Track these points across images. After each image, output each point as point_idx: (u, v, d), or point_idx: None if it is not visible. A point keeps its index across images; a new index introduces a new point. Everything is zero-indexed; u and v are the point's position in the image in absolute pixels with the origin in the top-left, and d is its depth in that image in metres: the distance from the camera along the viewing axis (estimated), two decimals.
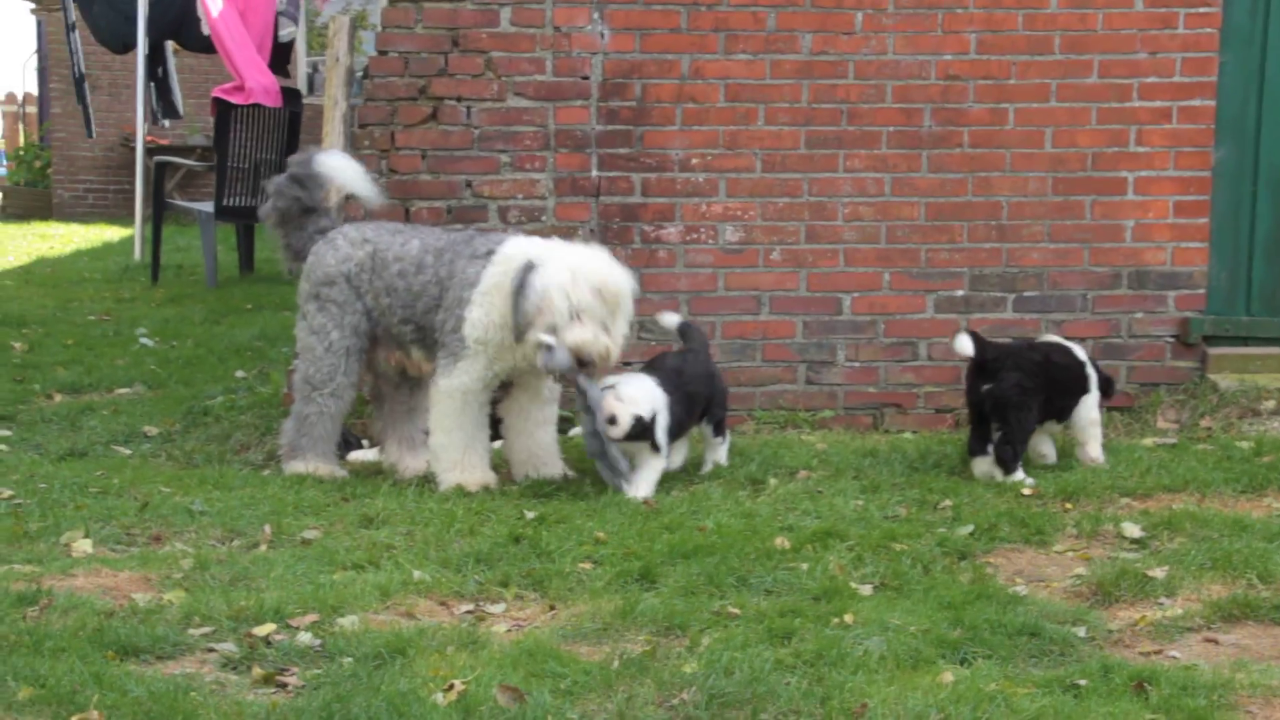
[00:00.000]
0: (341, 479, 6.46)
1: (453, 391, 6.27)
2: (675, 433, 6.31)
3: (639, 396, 6.12)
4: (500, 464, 6.56)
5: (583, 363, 6.07)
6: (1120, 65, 7.60)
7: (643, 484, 6.12)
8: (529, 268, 6.11)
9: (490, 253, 6.31)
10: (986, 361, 6.40)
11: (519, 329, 6.12)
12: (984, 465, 6.41)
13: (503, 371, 6.35)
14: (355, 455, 6.99)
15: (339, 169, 6.80)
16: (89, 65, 19.20)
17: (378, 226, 6.73)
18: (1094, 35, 7.59)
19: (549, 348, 6.02)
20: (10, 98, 25.78)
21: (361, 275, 6.54)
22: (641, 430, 6.07)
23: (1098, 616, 4.72)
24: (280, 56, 13.13)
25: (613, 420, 6.04)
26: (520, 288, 6.09)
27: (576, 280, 6.06)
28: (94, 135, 17.45)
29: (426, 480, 6.37)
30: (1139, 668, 4.22)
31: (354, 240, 6.61)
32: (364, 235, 6.64)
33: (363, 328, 6.57)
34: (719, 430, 6.61)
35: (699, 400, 6.46)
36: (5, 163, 22.70)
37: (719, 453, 6.63)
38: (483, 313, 6.22)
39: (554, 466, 6.48)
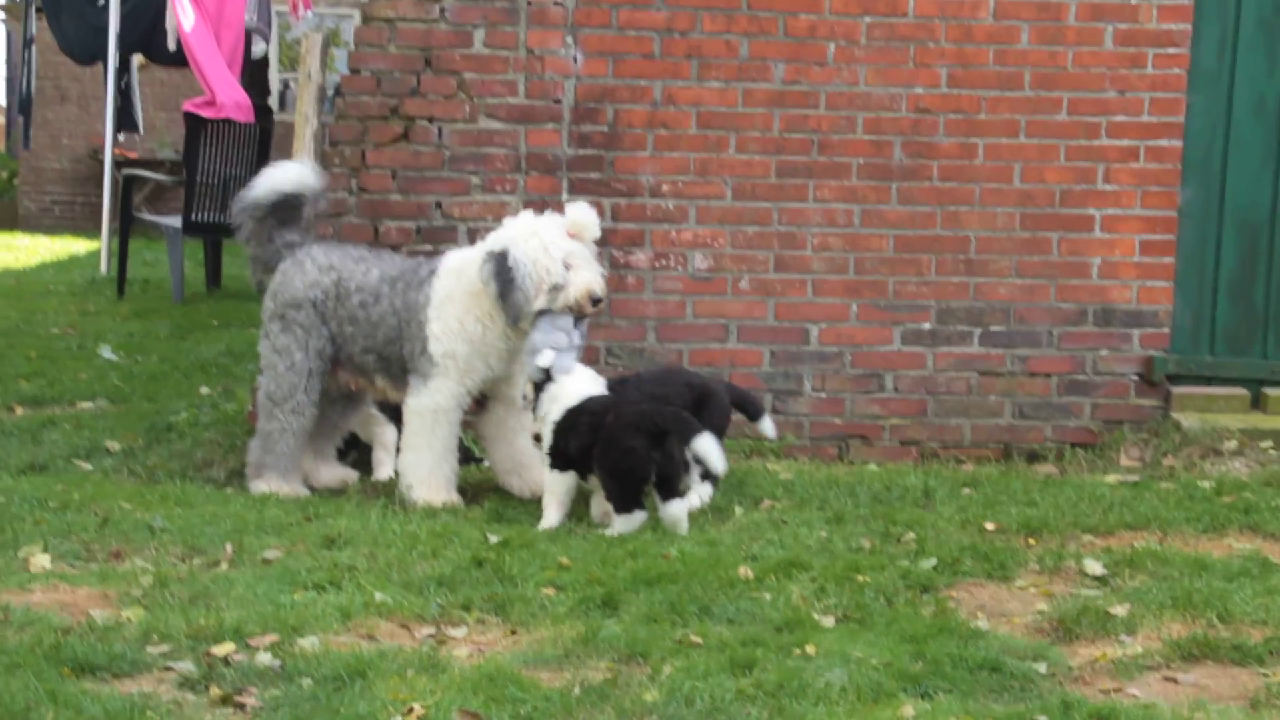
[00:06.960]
0: (304, 498, 6.44)
1: (423, 410, 6.38)
2: None
3: None
4: (464, 487, 6.55)
5: (595, 301, 6.26)
6: (1089, 103, 7.65)
7: None
8: (499, 255, 6.19)
9: (432, 272, 6.46)
10: None
11: (518, 313, 6.20)
12: None
13: (474, 387, 6.44)
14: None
15: (293, 177, 6.80)
16: (59, 75, 19.17)
17: (343, 252, 6.72)
18: (1064, 73, 7.63)
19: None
20: None
21: (327, 303, 6.58)
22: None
23: (1058, 653, 4.72)
24: (257, 75, 13.08)
25: None
26: (500, 275, 6.16)
27: (549, 237, 6.20)
28: (30, 148, 18.80)
29: (389, 501, 6.35)
30: (1099, 705, 4.22)
31: (321, 266, 6.62)
32: (330, 261, 6.64)
33: (327, 352, 6.62)
34: None
35: None
36: None
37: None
38: (441, 326, 6.34)
39: (536, 469, 6.49)
